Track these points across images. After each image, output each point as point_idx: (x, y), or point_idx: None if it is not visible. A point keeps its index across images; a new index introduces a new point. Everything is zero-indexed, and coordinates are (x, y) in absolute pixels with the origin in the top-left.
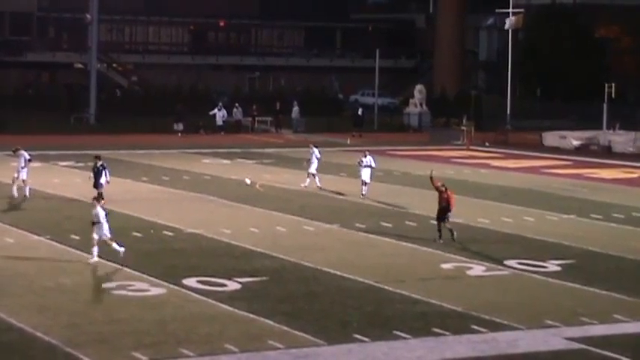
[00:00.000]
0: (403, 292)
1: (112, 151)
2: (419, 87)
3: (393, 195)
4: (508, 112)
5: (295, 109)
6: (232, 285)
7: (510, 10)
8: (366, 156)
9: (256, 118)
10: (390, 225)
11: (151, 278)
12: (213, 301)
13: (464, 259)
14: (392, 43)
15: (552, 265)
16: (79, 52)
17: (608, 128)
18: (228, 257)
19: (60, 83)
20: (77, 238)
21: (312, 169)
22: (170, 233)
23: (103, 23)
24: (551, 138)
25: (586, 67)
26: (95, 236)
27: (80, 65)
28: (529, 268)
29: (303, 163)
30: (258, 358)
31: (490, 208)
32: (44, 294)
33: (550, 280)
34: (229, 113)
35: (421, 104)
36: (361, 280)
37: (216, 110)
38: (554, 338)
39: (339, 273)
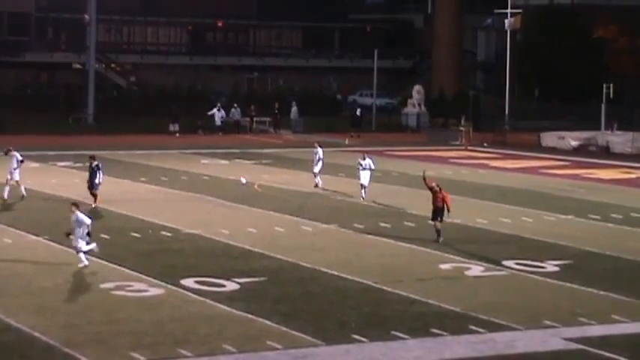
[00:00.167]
0: (401, 293)
1: (111, 151)
2: (417, 87)
3: (391, 195)
4: (506, 112)
5: (294, 109)
6: (230, 285)
7: (508, 10)
8: (364, 158)
9: (254, 119)
10: (388, 225)
11: (149, 278)
12: (212, 302)
13: (462, 259)
14: (390, 44)
15: (550, 266)
16: (77, 53)
17: (606, 129)
18: (226, 257)
19: (58, 83)
20: None
21: (316, 169)
22: (168, 233)
23: (102, 23)
24: (549, 138)
25: (584, 67)
26: (77, 244)
27: (78, 65)
28: (527, 269)
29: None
30: (257, 358)
31: (488, 208)
32: (42, 294)
33: (548, 280)
34: (228, 114)
35: (419, 104)
36: (359, 280)
37: (214, 110)
38: (553, 339)
39: (337, 273)
